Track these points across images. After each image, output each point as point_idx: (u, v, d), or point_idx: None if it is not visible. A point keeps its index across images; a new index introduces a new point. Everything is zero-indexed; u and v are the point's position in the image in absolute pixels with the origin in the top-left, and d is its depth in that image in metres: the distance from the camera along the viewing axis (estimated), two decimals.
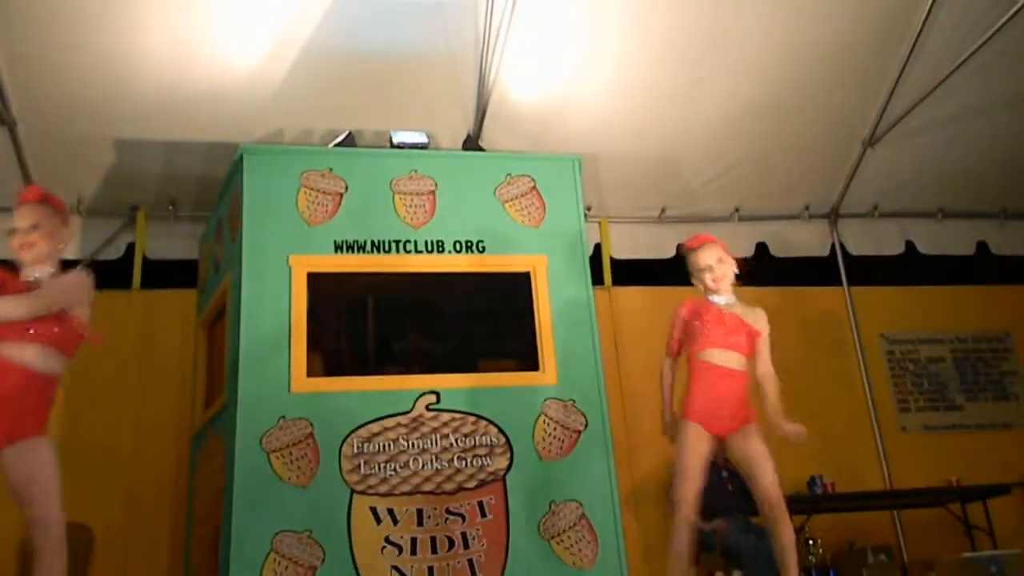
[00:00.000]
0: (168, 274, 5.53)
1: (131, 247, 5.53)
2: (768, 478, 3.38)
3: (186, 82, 4.90)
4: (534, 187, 4.87)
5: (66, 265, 5.34)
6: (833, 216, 6.59)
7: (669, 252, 6.27)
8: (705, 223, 6.33)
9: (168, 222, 5.60)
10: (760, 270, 6.45)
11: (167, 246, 5.56)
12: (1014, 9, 4.89)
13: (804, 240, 6.54)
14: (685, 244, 3.90)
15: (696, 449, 3.44)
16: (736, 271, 3.64)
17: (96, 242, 5.52)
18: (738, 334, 3.60)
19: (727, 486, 5.43)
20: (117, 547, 4.92)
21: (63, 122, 5.04)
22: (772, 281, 6.44)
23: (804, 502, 5.45)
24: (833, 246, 6.57)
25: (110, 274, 5.47)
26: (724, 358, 3.55)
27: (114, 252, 5.55)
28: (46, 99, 4.90)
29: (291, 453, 4.04)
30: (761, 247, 6.43)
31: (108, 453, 5.05)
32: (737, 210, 6.36)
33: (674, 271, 6.27)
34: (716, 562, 5.20)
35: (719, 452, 5.43)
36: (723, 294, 3.64)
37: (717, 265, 3.58)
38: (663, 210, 6.27)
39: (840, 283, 6.53)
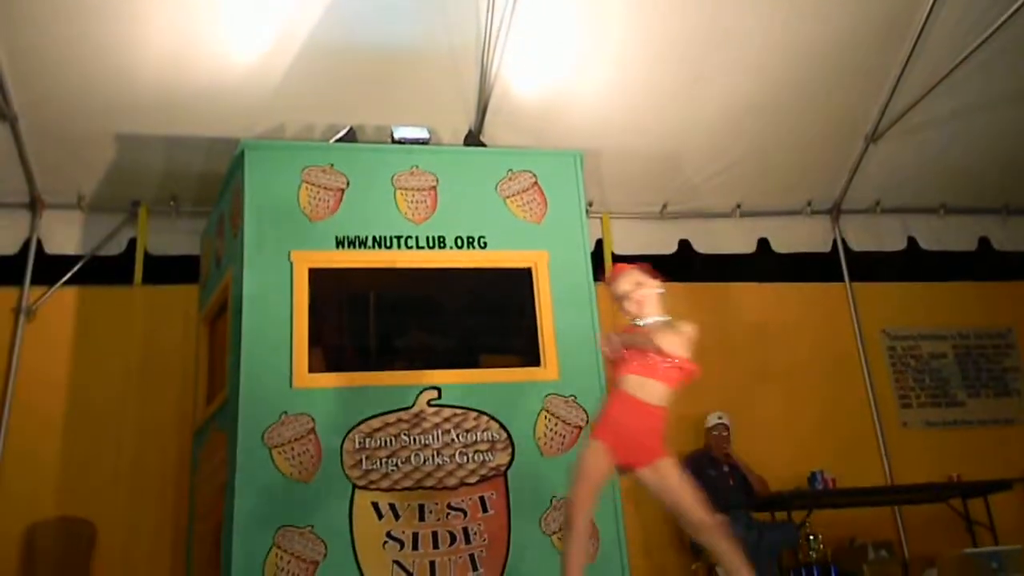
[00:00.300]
0: (170, 270, 5.53)
1: (133, 242, 5.54)
2: (687, 503, 3.24)
3: (187, 77, 4.90)
4: (535, 183, 4.87)
5: (68, 261, 5.43)
6: (835, 212, 6.58)
7: (671, 248, 6.27)
8: (707, 219, 6.35)
9: (170, 217, 5.60)
10: (762, 266, 6.46)
11: (169, 241, 5.56)
12: (1015, 6, 4.88)
13: (806, 236, 6.53)
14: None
15: (598, 467, 3.25)
16: (660, 290, 3.46)
17: (98, 237, 5.52)
18: (664, 363, 3.32)
19: (728, 481, 5.45)
20: (119, 542, 4.94)
21: (64, 118, 5.04)
22: (774, 277, 6.46)
23: (805, 497, 5.45)
24: (835, 242, 6.57)
25: (112, 270, 5.50)
26: (643, 389, 3.31)
27: (116, 247, 5.55)
28: (47, 95, 4.89)
29: (293, 448, 4.04)
30: (763, 243, 6.43)
31: (110, 448, 5.06)
32: (739, 206, 6.35)
33: (676, 267, 6.29)
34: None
35: (719, 448, 5.49)
36: (647, 317, 3.41)
37: (634, 290, 3.42)
38: (665, 206, 6.27)
39: (842, 279, 6.52)
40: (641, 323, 3.38)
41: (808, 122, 5.82)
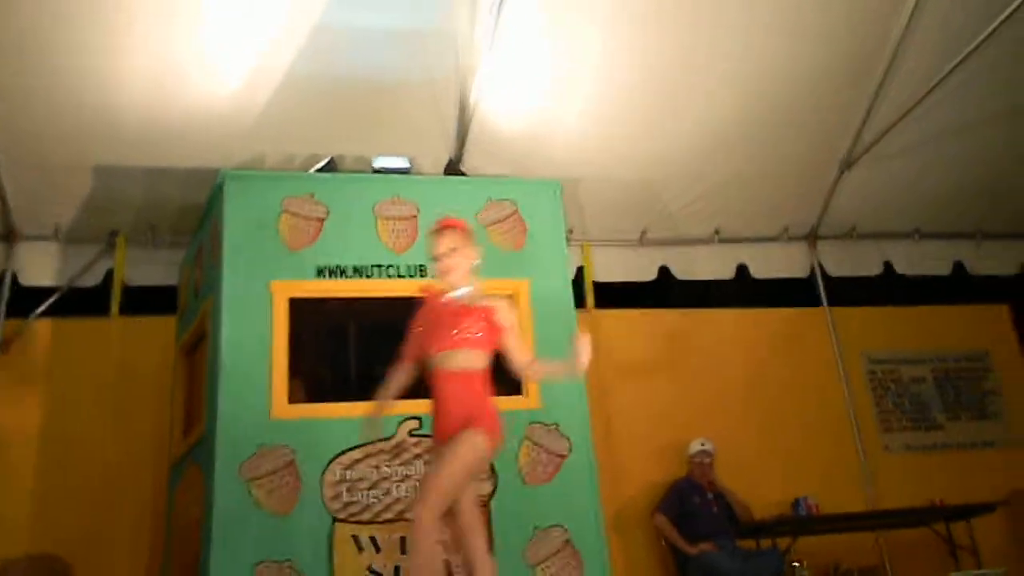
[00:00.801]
0: (147, 300, 5.48)
1: (110, 273, 5.49)
2: (433, 478, 2.94)
3: (167, 108, 4.89)
4: (516, 211, 4.88)
5: (44, 293, 5.36)
6: (812, 238, 6.64)
7: (651, 275, 6.30)
8: (685, 245, 6.38)
9: (148, 248, 5.55)
10: (741, 292, 6.50)
11: (146, 272, 5.51)
12: (983, 35, 4.99)
13: (784, 262, 6.58)
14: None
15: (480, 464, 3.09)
16: (476, 261, 3.31)
17: (74, 269, 5.46)
18: (466, 324, 3.14)
19: (712, 508, 5.43)
20: None
21: (42, 149, 5.01)
22: (753, 303, 6.49)
23: (789, 524, 5.44)
24: (812, 267, 6.62)
25: (89, 301, 5.43)
26: (453, 359, 3.12)
27: (93, 279, 5.50)
28: (25, 126, 4.87)
29: (271, 481, 3.99)
30: (741, 269, 6.47)
31: (85, 482, 4.98)
32: (717, 232, 6.40)
33: (657, 293, 6.32)
34: None
35: (702, 476, 5.48)
36: (453, 287, 3.26)
37: (447, 255, 3.24)
38: (644, 233, 6.30)
39: (820, 304, 6.57)
40: (458, 293, 3.22)
41: (784, 149, 5.89)
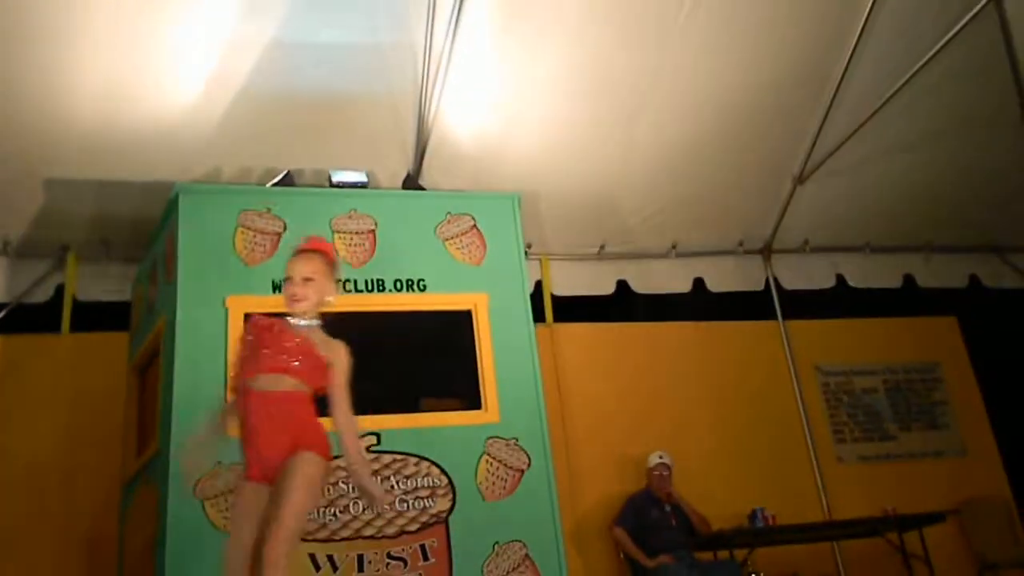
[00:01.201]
0: (99, 317, 5.38)
1: (61, 289, 5.38)
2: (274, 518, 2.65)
3: (120, 121, 4.82)
4: (474, 225, 4.89)
5: None
6: (766, 252, 6.74)
7: (609, 289, 6.35)
8: (643, 259, 6.44)
9: (100, 263, 5.45)
10: (698, 305, 6.57)
11: (98, 288, 5.41)
12: (930, 54, 5.13)
13: (739, 275, 6.68)
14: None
15: (244, 510, 2.77)
16: (332, 300, 3.06)
17: (24, 284, 5.34)
18: (301, 359, 2.91)
19: (671, 521, 5.45)
20: None
21: None
22: (710, 316, 6.57)
23: (746, 535, 5.49)
24: (767, 280, 6.72)
25: (39, 317, 5.32)
26: (272, 383, 2.85)
27: (43, 294, 5.38)
28: None
29: (227, 500, 3.93)
30: (698, 282, 6.55)
31: (34, 501, 4.85)
32: (674, 246, 6.47)
33: (615, 307, 6.36)
34: None
35: (660, 488, 5.51)
36: (299, 318, 3.00)
37: (303, 284, 2.97)
38: (602, 247, 6.34)
39: (775, 317, 6.66)
40: (298, 322, 2.96)
41: (738, 164, 5.99)
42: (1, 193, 5.09)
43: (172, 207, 4.50)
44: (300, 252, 3.09)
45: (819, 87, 5.61)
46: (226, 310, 4.26)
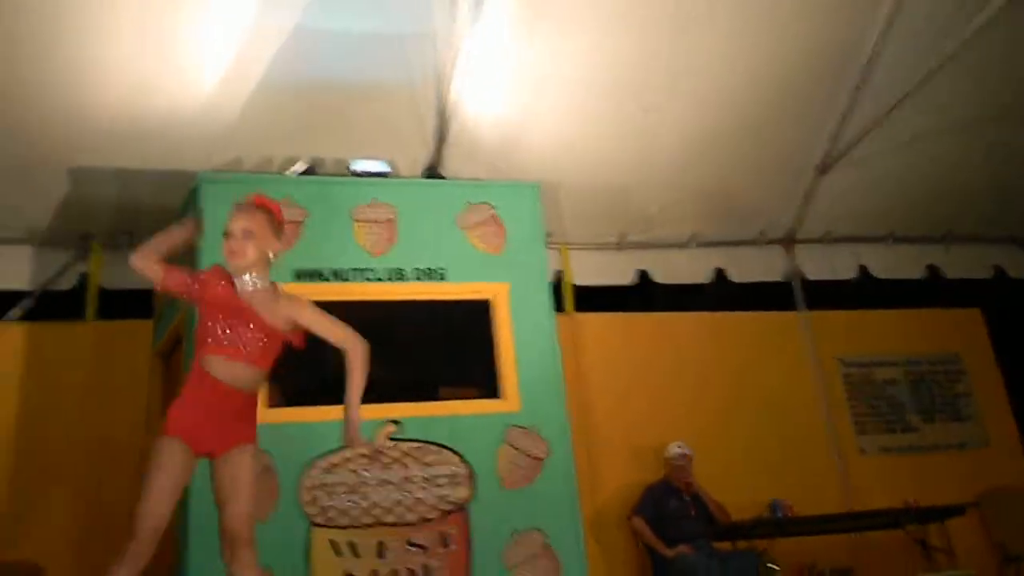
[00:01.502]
0: (123, 304, 5.43)
1: (85, 277, 5.43)
2: (237, 508, 2.77)
3: (143, 110, 4.85)
4: (494, 214, 4.89)
5: (15, 297, 5.30)
6: (788, 241, 6.69)
7: (630, 278, 6.33)
8: (664, 249, 6.42)
9: (123, 251, 5.46)
10: (718, 295, 6.55)
11: (122, 276, 5.45)
12: (958, 42, 5.05)
13: (761, 265, 6.64)
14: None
15: (169, 469, 2.75)
16: (272, 256, 2.97)
17: (49, 272, 5.40)
18: (251, 334, 2.90)
19: (689, 511, 5.45)
20: None
21: (16, 152, 4.95)
22: (731, 306, 6.54)
23: (766, 526, 5.47)
24: (789, 271, 6.68)
25: (63, 305, 5.37)
26: (227, 371, 2.86)
27: (67, 282, 5.44)
28: None
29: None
30: (719, 272, 6.51)
31: (60, 487, 4.92)
32: (695, 236, 6.44)
33: (636, 297, 6.34)
34: None
35: (679, 479, 5.51)
36: (245, 275, 2.93)
37: (240, 237, 2.90)
38: (623, 236, 6.32)
39: (797, 307, 6.62)
40: (248, 282, 2.91)
41: (759, 153, 5.94)
42: (26, 182, 5.14)
43: (194, 196, 4.53)
44: (241, 207, 3.02)
45: (842, 76, 5.56)
46: None
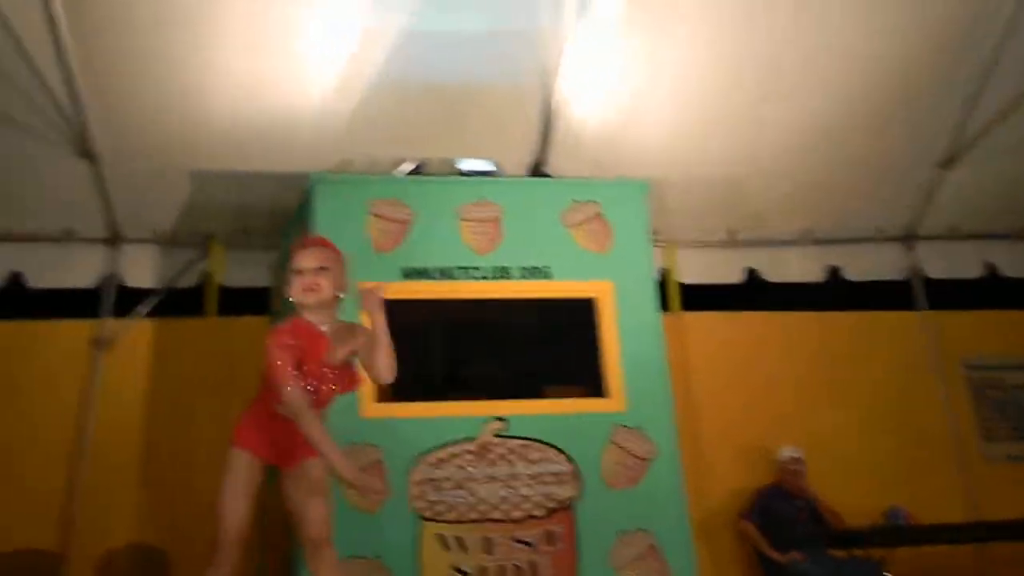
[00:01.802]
0: (243, 302, 5.65)
1: (206, 275, 5.68)
2: (315, 515, 2.99)
3: (258, 114, 5.03)
4: (600, 213, 4.87)
5: (145, 294, 5.60)
6: (908, 238, 6.40)
7: (739, 277, 6.18)
8: (774, 246, 6.23)
9: (242, 251, 5.72)
10: (833, 294, 6.32)
11: (241, 274, 5.68)
12: None
13: (879, 263, 6.36)
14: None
15: (241, 479, 2.99)
16: (343, 294, 3.07)
17: (172, 271, 5.68)
18: (336, 382, 3.09)
19: (802, 517, 5.29)
20: (191, 571, 5.01)
21: (141, 155, 5.20)
22: (846, 305, 6.30)
23: (887, 533, 5.25)
24: (910, 269, 6.39)
25: (187, 302, 5.63)
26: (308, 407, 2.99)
27: (190, 280, 5.70)
28: (126, 133, 5.06)
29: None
30: (833, 270, 6.29)
31: (184, 476, 5.15)
32: (807, 232, 6.23)
33: (745, 296, 6.19)
34: None
35: (792, 484, 5.35)
36: (315, 312, 3.04)
37: (315, 272, 3.01)
38: (732, 233, 6.18)
39: (917, 307, 6.33)
40: (314, 322, 2.99)
41: (878, 144, 5.69)
42: (150, 185, 5.40)
43: (306, 197, 4.68)
44: (309, 245, 3.13)
45: (968, 65, 5.25)
46: (359, 296, 4.38)
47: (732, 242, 6.19)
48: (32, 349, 5.42)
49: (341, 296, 3.09)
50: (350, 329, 3.12)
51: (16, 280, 5.49)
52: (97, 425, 5.24)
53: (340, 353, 3.05)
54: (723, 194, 5.90)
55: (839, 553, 5.26)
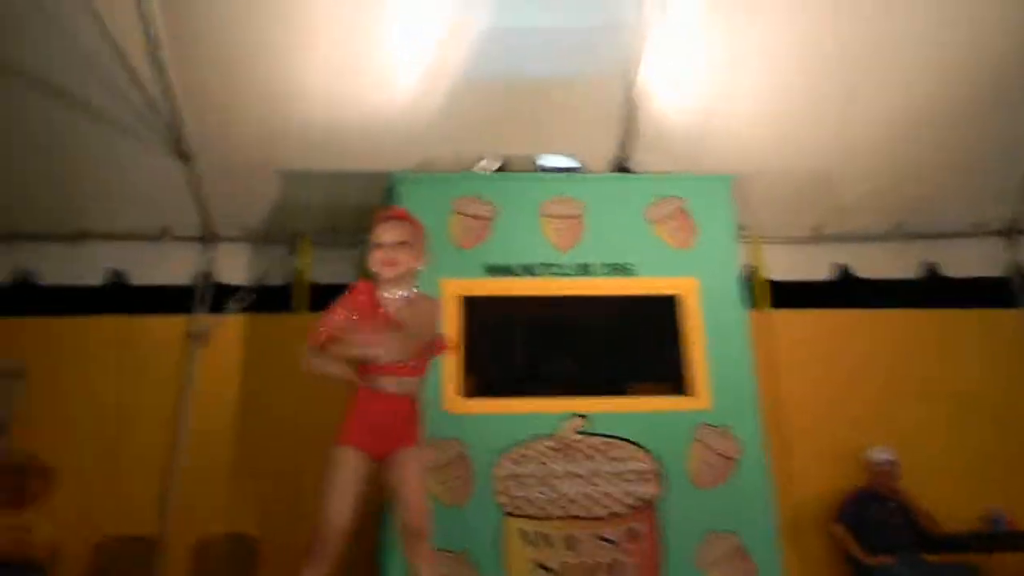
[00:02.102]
0: (330, 298, 5.74)
1: (295, 272, 5.83)
2: (410, 504, 2.98)
3: (344, 114, 5.14)
4: (683, 208, 4.81)
5: (231, 291, 5.77)
6: (1010, 233, 6.12)
7: (828, 273, 6.01)
8: (865, 242, 6.05)
9: (329, 248, 5.85)
10: (927, 291, 6.09)
11: (329, 271, 5.81)
12: None
13: (976, 259, 6.10)
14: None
15: (346, 475, 3.01)
16: (421, 266, 3.09)
17: (264, 268, 5.84)
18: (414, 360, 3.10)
19: (895, 520, 5.13)
20: (280, 559, 5.15)
21: (233, 155, 5.37)
22: (941, 303, 6.05)
23: (988, 539, 5.04)
24: (1011, 265, 6.10)
25: (276, 298, 5.79)
26: (394, 385, 3.09)
27: (279, 278, 5.85)
28: (218, 133, 5.24)
29: (444, 473, 4.11)
30: (928, 266, 6.06)
31: (274, 467, 5.29)
32: (900, 227, 6.02)
33: (835, 293, 6.01)
34: None
35: (884, 486, 5.19)
36: (393, 286, 3.07)
37: (395, 247, 3.03)
38: (820, 228, 6.01)
39: (1019, 304, 6.04)
40: (386, 295, 3.04)
41: (975, 135, 5.45)
42: (244, 185, 5.57)
43: (389, 195, 4.75)
44: (389, 219, 3.14)
45: None
46: (441, 292, 4.44)
47: (820, 237, 6.03)
48: (132, 343, 5.65)
49: (420, 269, 3.13)
50: (416, 302, 3.13)
51: (117, 277, 5.75)
52: (192, 417, 5.44)
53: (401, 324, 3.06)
54: (811, 188, 5.75)
55: (932, 558, 5.08)
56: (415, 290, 3.14)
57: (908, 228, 6.03)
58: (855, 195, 5.82)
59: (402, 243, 3.09)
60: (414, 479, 3.01)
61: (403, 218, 3.21)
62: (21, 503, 5.00)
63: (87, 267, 5.76)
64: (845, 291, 6.04)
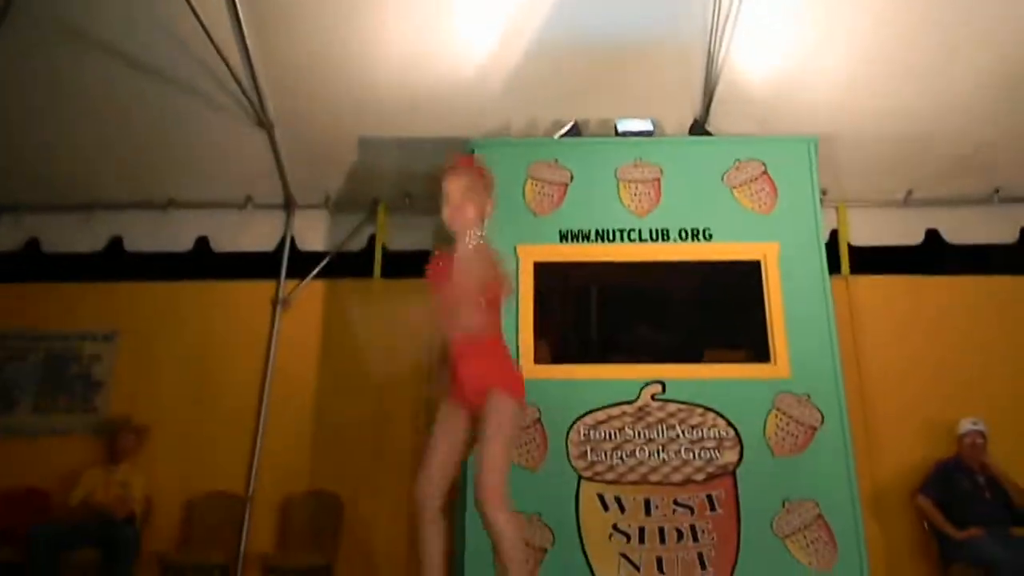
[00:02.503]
0: (407, 264, 5.84)
1: (373, 238, 5.92)
2: (481, 453, 2.83)
3: (421, 81, 5.15)
4: (764, 172, 4.69)
5: (317, 256, 5.89)
6: None
7: (917, 238, 5.78)
8: (959, 206, 5.79)
9: (405, 215, 5.91)
10: (1022, 257, 5.82)
11: (405, 237, 5.88)
12: None
13: None
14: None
15: (440, 425, 3.00)
16: (488, 213, 3.06)
17: (342, 234, 5.95)
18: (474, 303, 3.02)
19: (983, 493, 4.96)
20: (364, 515, 5.29)
21: (312, 124, 5.46)
22: None
23: None
24: None
25: (354, 264, 5.90)
26: (456, 318, 3.03)
27: (358, 244, 5.95)
28: (297, 103, 5.33)
29: (520, 437, 4.14)
30: None
31: (356, 426, 5.41)
32: (997, 191, 5.74)
33: (924, 259, 5.79)
34: (968, 573, 4.75)
35: (973, 457, 5.02)
36: (466, 234, 3.03)
37: (460, 197, 3.02)
38: (910, 192, 5.79)
39: None
40: (468, 240, 3.02)
41: None
42: (322, 153, 5.67)
43: None
44: (453, 169, 3.13)
45: None
46: (518, 258, 4.45)
47: (910, 201, 5.80)
48: (218, 307, 5.85)
49: (486, 218, 3.14)
50: (481, 250, 3.12)
51: (203, 244, 5.94)
52: (276, 378, 5.61)
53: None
54: (900, 151, 5.52)
55: (1023, 532, 4.91)
56: (481, 239, 3.12)
57: (1005, 192, 5.75)
58: (949, 159, 5.57)
59: (466, 191, 3.10)
60: (488, 428, 2.89)
61: (467, 167, 3.21)
62: (117, 459, 5.27)
63: (175, 235, 5.96)
64: (935, 257, 5.82)
